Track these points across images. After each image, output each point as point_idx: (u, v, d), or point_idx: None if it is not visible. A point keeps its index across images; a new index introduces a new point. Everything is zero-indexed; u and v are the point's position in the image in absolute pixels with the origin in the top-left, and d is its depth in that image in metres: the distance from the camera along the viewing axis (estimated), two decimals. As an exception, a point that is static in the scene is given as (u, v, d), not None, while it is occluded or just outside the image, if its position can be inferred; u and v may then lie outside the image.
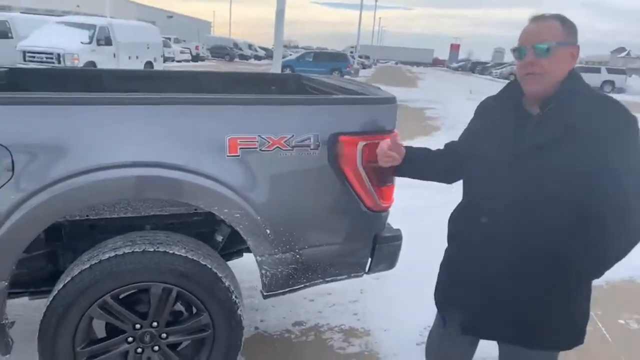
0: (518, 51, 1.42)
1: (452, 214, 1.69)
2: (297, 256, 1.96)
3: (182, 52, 29.87)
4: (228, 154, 1.74)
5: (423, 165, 1.74)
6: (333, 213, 1.99)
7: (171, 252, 1.77)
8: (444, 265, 1.71)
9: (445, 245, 1.70)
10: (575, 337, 1.50)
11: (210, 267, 1.82)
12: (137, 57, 15.37)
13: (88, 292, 1.71)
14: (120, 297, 1.80)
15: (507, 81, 1.66)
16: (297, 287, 2.03)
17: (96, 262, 1.71)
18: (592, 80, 26.78)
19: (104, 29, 14.22)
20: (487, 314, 1.52)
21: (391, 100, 2.00)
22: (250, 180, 1.79)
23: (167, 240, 1.84)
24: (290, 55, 28.62)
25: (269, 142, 1.77)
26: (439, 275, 1.73)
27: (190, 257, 1.79)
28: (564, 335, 1.49)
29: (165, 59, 21.73)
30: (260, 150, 1.77)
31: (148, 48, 16.17)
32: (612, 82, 26.61)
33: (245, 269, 3.01)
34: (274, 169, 1.82)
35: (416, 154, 1.73)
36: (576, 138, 1.31)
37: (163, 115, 1.71)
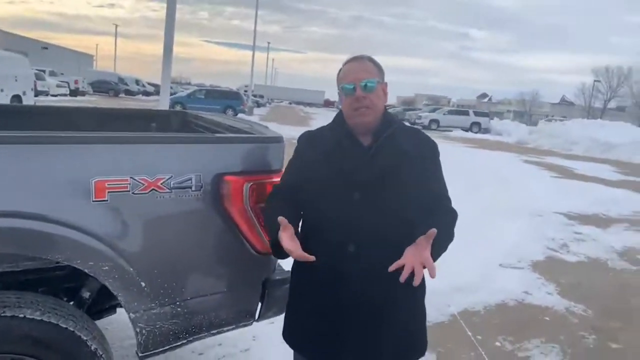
0: (346, 89, 1.53)
1: (297, 264, 1.62)
2: (179, 309, 1.77)
3: (58, 86, 27.47)
4: (94, 199, 1.54)
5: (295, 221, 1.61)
6: (218, 259, 1.85)
7: (21, 315, 1.49)
8: (295, 310, 1.70)
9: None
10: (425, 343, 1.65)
11: (72, 329, 1.56)
12: (2, 90, 13.77)
13: None
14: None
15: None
16: (178, 343, 1.84)
17: None
18: (462, 121, 30.01)
19: (-40, 57, 12.58)
20: (363, 347, 1.53)
21: (278, 139, 1.96)
22: (121, 228, 1.60)
23: (17, 302, 1.55)
24: (182, 92, 27.91)
25: (143, 185, 1.61)
26: (289, 317, 1.73)
27: (46, 319, 1.52)
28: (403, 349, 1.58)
29: (38, 93, 19.83)
30: (132, 193, 1.59)
31: (16, 80, 14.61)
32: (478, 124, 29.92)
33: (124, 323, 2.70)
34: (150, 214, 1.65)
35: (288, 219, 1.47)
36: (410, 161, 1.51)
37: (16, 155, 1.47)
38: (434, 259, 1.34)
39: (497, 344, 3.18)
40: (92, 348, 1.60)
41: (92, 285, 1.85)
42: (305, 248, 1.43)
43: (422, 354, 1.67)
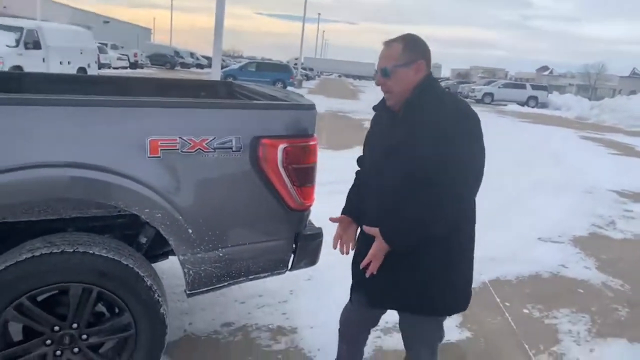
0: (375, 73, 1.75)
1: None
2: (220, 255, 2.03)
3: (119, 59, 28.86)
4: (149, 155, 1.79)
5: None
6: (255, 213, 2.07)
7: (91, 252, 1.79)
8: (356, 251, 1.94)
9: None
10: (455, 302, 1.78)
11: (132, 266, 1.85)
12: (69, 63, 14.71)
13: (2, 294, 1.69)
14: (39, 299, 1.78)
15: None
16: (220, 285, 2.10)
17: (12, 263, 1.69)
18: (518, 95, 28.74)
19: (32, 32, 13.51)
20: (383, 287, 1.74)
21: (311, 106, 2.13)
22: (171, 181, 1.85)
23: (88, 241, 1.85)
24: (234, 64, 28.45)
25: (190, 144, 1.84)
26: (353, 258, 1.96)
27: (111, 256, 1.81)
28: (442, 301, 1.75)
29: (101, 66, 20.92)
30: (181, 151, 1.83)
31: (81, 53, 15.53)
32: (535, 98, 28.58)
33: (175, 274, 3.03)
34: (196, 170, 1.89)
35: (354, 208, 1.93)
36: (425, 132, 1.59)
37: (83, 116, 1.74)
38: (398, 247, 1.65)
39: (525, 310, 3.26)
40: (149, 283, 1.88)
41: (148, 233, 2.13)
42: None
43: (447, 313, 1.84)
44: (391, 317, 2.05)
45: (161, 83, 3.60)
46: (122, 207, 1.83)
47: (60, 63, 14.26)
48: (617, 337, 3.02)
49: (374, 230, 1.69)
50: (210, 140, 1.88)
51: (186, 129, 1.84)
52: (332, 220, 1.96)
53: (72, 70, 14.74)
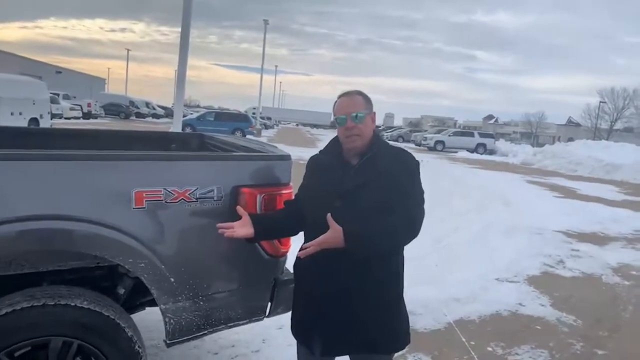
0: (339, 119, 1.86)
1: (296, 260, 1.95)
2: (201, 303, 2.07)
3: (71, 109, 28.28)
4: (134, 206, 1.85)
5: (276, 227, 2.00)
6: (235, 260, 2.15)
7: (72, 304, 1.79)
8: (296, 305, 1.99)
9: None
10: (408, 335, 1.91)
11: (112, 317, 1.86)
12: (20, 114, 14.36)
13: (-20, 351, 1.65)
14: (16, 354, 1.75)
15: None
16: (200, 333, 2.12)
17: (-10, 318, 1.67)
18: (467, 143, 30.29)
19: (-17, 83, 13.18)
20: (341, 333, 1.81)
21: (286, 157, 2.28)
22: (155, 231, 1.91)
23: (68, 293, 1.85)
24: (191, 114, 28.55)
25: (174, 195, 1.92)
26: (293, 313, 2.00)
27: (92, 308, 1.82)
28: (401, 335, 1.88)
29: (53, 116, 20.45)
30: (165, 202, 1.91)
31: (34, 104, 15.22)
32: (484, 145, 30.23)
33: (147, 327, 2.99)
34: (179, 220, 1.96)
35: (265, 221, 1.98)
36: (386, 178, 1.78)
37: (70, 170, 1.79)
38: (353, 250, 1.69)
39: (489, 348, 3.41)
40: (129, 334, 1.89)
41: (126, 284, 2.15)
42: (304, 246, 1.82)
43: (401, 347, 1.92)
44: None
45: (130, 135, 3.66)
46: (106, 258, 1.86)
47: (12, 114, 13.90)
48: (574, 370, 3.20)
49: (336, 227, 1.68)
50: (193, 191, 1.97)
51: (170, 181, 1.93)
52: (239, 211, 1.92)
53: (23, 121, 14.37)
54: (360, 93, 1.90)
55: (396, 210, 1.74)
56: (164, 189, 1.91)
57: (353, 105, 1.85)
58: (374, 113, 1.92)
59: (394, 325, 1.87)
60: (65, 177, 1.78)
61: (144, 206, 1.87)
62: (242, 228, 1.88)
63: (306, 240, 1.85)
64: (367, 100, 1.90)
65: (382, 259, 1.81)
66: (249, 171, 2.13)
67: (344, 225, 1.69)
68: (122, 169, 1.88)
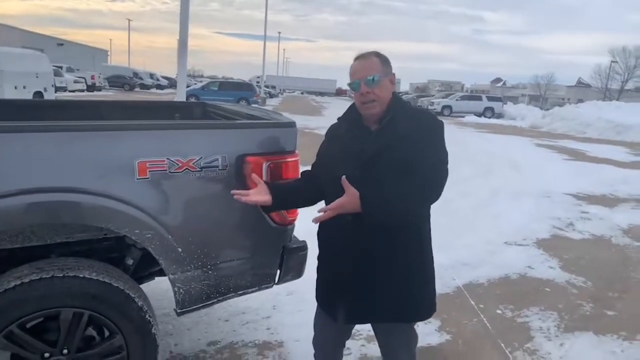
0: (353, 85, 1.77)
1: (318, 229, 1.94)
2: (209, 272, 2.06)
3: (75, 82, 28.12)
4: (138, 177, 1.82)
5: (294, 197, 1.95)
6: (242, 229, 2.13)
7: (81, 275, 1.79)
8: (320, 272, 1.96)
9: None
10: (433, 304, 1.89)
11: (122, 288, 1.86)
12: (24, 87, 14.26)
13: (-9, 323, 1.67)
14: (28, 325, 1.77)
15: None
16: (210, 302, 2.13)
17: (0, 291, 1.68)
18: (475, 106, 29.85)
19: (-16, 57, 13.07)
20: (365, 302, 1.80)
21: (291, 124, 2.22)
22: (160, 202, 1.88)
23: (77, 265, 1.85)
24: (195, 84, 28.28)
25: (177, 165, 1.89)
26: (317, 280, 1.98)
27: (101, 279, 1.82)
28: (423, 304, 1.86)
29: (57, 89, 20.33)
30: (169, 172, 1.88)
31: (37, 77, 15.09)
32: (491, 109, 29.79)
33: (156, 296, 3.02)
34: (184, 190, 1.93)
35: (283, 190, 1.91)
36: (406, 142, 1.70)
37: (73, 141, 1.75)
38: (370, 215, 1.65)
39: (498, 311, 3.42)
40: (139, 304, 1.90)
41: (134, 254, 2.15)
42: (329, 224, 1.79)
43: (425, 317, 1.92)
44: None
45: (134, 106, 3.60)
46: (112, 230, 1.85)
47: (15, 88, 13.81)
48: (583, 330, 3.22)
49: (352, 191, 1.65)
50: (197, 160, 1.93)
51: (174, 150, 1.89)
52: (255, 179, 1.88)
53: (27, 94, 14.30)
54: (377, 54, 1.78)
55: (417, 175, 1.67)
56: (168, 158, 1.87)
57: (368, 68, 1.74)
58: (394, 75, 1.81)
59: (418, 293, 1.84)
60: (67, 149, 1.74)
61: (147, 177, 1.84)
62: (258, 195, 1.82)
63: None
64: (385, 61, 1.78)
65: (407, 226, 1.77)
66: (253, 139, 2.08)
67: (361, 190, 1.64)
68: (124, 139, 1.84)
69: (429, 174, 1.69)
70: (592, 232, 5.61)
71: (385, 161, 1.70)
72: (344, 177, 1.65)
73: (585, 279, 4.12)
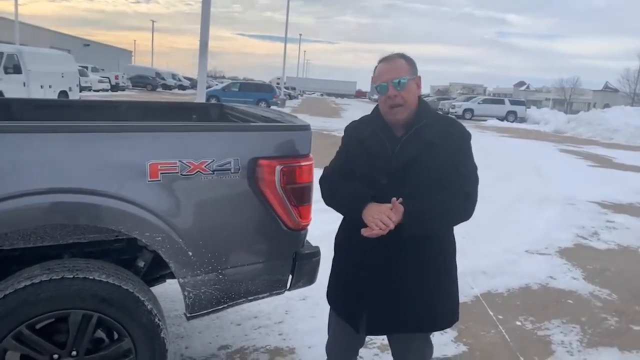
0: (380, 87, 1.69)
1: (337, 234, 1.91)
2: (220, 276, 2.03)
3: (100, 82, 28.69)
4: (149, 179, 1.80)
5: None
6: (254, 233, 2.09)
7: (91, 277, 1.78)
8: (338, 281, 1.91)
9: None
10: (455, 314, 1.84)
11: (132, 291, 1.84)
12: (50, 87, 14.60)
13: (2, 324, 1.66)
14: (37, 327, 1.76)
15: None
16: (220, 307, 2.09)
17: (10, 292, 1.67)
18: (497, 110, 29.37)
19: (12, 57, 13.42)
20: (389, 313, 1.74)
21: (306, 127, 2.17)
22: (172, 204, 1.86)
23: (87, 266, 1.84)
24: (216, 85, 28.54)
25: (189, 167, 1.86)
26: (333, 288, 1.94)
27: (111, 281, 1.80)
28: (445, 314, 1.81)
29: (82, 89, 20.77)
30: (181, 174, 1.85)
31: (62, 77, 15.44)
32: (514, 113, 29.24)
33: (169, 297, 3.01)
34: (195, 193, 1.90)
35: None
36: (436, 153, 1.64)
37: (84, 142, 1.74)
38: (411, 230, 1.61)
39: (518, 323, 3.31)
40: (149, 307, 1.87)
41: (145, 257, 2.13)
42: (344, 223, 1.78)
43: (448, 326, 1.86)
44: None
45: (152, 106, 3.61)
46: (123, 232, 1.83)
47: (41, 87, 14.15)
48: (607, 346, 3.08)
49: (399, 208, 1.58)
50: (209, 163, 1.90)
51: (186, 152, 1.86)
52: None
53: (53, 94, 14.63)
54: (402, 56, 1.72)
55: (450, 188, 1.64)
56: (180, 161, 1.85)
57: (395, 70, 1.68)
58: (419, 77, 1.75)
59: (443, 302, 1.79)
60: (79, 150, 1.72)
61: (159, 179, 1.81)
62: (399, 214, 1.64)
63: (345, 218, 1.79)
64: (411, 63, 1.72)
65: (433, 236, 1.73)
66: (267, 142, 2.04)
67: (403, 202, 1.59)
68: (136, 140, 1.82)
69: (464, 190, 1.66)
70: (618, 242, 5.41)
71: (416, 171, 1.65)
72: (394, 199, 1.60)
73: (610, 291, 3.96)
